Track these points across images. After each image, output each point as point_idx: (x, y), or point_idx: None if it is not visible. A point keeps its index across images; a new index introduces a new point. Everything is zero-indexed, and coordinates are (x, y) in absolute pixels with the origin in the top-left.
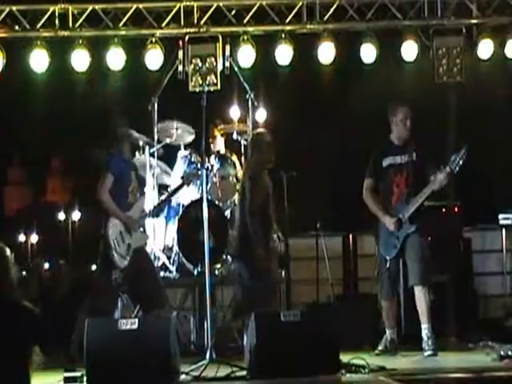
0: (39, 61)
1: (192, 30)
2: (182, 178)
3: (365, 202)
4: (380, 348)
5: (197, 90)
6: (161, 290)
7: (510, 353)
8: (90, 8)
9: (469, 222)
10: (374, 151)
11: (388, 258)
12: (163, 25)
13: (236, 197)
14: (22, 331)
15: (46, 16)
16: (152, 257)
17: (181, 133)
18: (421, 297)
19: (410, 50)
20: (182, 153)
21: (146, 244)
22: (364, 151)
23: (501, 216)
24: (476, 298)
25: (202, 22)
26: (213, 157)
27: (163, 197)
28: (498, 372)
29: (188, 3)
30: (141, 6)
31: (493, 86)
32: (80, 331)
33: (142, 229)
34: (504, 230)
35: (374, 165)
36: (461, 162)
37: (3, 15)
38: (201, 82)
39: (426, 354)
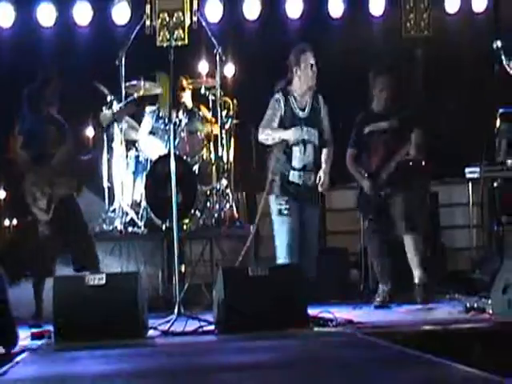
0: (4, 15)
1: None
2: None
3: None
4: (378, 299)
5: (164, 44)
6: (90, 246)
7: (475, 305)
8: None
9: (436, 176)
10: (356, 121)
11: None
12: None
13: (204, 152)
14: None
15: None
16: (121, 212)
17: (148, 87)
18: (412, 244)
19: (377, 5)
20: (150, 108)
21: (71, 194)
22: (331, 105)
23: (467, 170)
24: (444, 252)
25: None
26: (181, 112)
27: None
28: (464, 324)
29: None
30: None
31: (459, 41)
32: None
33: (66, 177)
34: (470, 184)
35: (356, 135)
36: None
37: None
38: (168, 36)
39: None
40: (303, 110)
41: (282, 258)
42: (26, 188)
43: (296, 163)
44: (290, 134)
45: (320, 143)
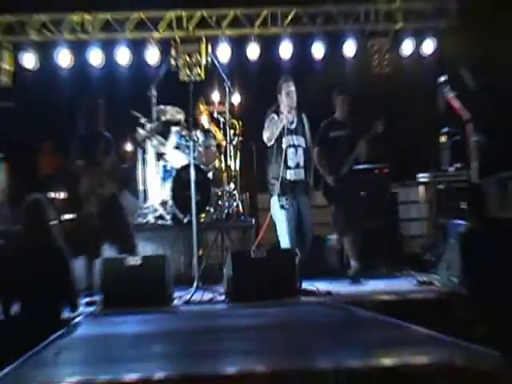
0: (64, 59)
1: (182, 33)
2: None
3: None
4: (351, 275)
5: (186, 79)
6: (131, 235)
7: (426, 279)
8: (103, 16)
9: (396, 179)
10: (321, 126)
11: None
12: (160, 29)
13: (216, 162)
14: (62, 268)
15: (70, 23)
16: (152, 209)
17: (173, 112)
18: None
19: (350, 49)
20: (175, 128)
21: (114, 193)
22: (316, 125)
23: (419, 175)
24: (401, 239)
25: (189, 27)
26: (198, 131)
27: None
28: (418, 294)
29: (178, 12)
30: (142, 15)
31: (411, 76)
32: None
33: (112, 178)
34: (422, 186)
35: (321, 136)
36: (381, 127)
37: (38, 24)
38: (189, 73)
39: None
40: (291, 123)
41: (284, 243)
42: (82, 189)
43: (291, 163)
44: (284, 116)
45: (306, 147)
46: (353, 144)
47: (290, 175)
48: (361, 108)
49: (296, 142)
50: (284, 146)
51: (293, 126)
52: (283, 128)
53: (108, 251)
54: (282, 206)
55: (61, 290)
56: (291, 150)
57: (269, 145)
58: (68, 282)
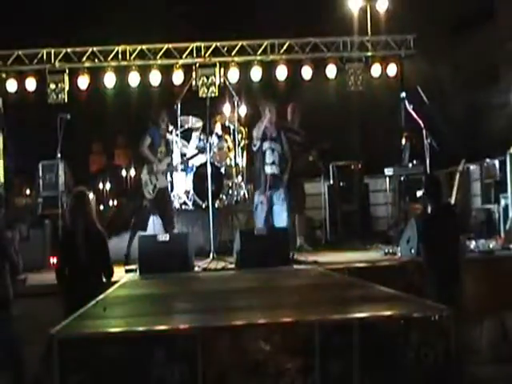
0: (109, 80)
1: (200, 59)
2: (198, 150)
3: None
4: (297, 247)
5: (204, 96)
6: (174, 218)
7: (390, 251)
8: (139, 47)
9: (368, 173)
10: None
11: None
12: (183, 57)
13: (227, 160)
14: (100, 245)
15: (113, 53)
16: (177, 197)
17: (194, 121)
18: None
19: (331, 71)
20: (195, 134)
21: (167, 186)
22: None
23: (385, 170)
24: (371, 218)
25: (206, 55)
26: (213, 136)
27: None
28: (384, 262)
29: (198, 44)
30: (170, 46)
31: (379, 92)
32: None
33: (164, 175)
34: (387, 178)
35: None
36: (327, 145)
37: (88, 53)
38: (206, 91)
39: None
40: (272, 133)
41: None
42: (143, 176)
43: (268, 160)
44: (266, 118)
45: (282, 153)
46: (304, 149)
47: (267, 169)
48: (340, 117)
49: (273, 146)
50: (264, 148)
51: (273, 135)
52: (265, 135)
53: (156, 227)
54: (259, 203)
55: (99, 261)
56: (269, 151)
57: (254, 149)
58: (104, 255)
